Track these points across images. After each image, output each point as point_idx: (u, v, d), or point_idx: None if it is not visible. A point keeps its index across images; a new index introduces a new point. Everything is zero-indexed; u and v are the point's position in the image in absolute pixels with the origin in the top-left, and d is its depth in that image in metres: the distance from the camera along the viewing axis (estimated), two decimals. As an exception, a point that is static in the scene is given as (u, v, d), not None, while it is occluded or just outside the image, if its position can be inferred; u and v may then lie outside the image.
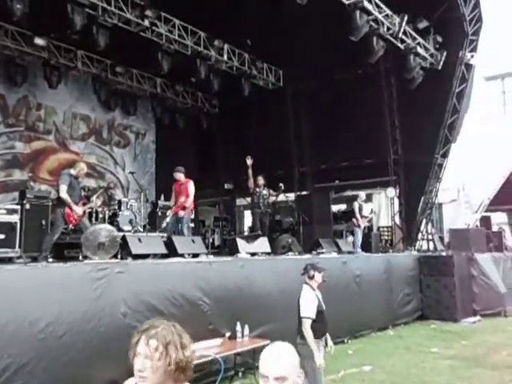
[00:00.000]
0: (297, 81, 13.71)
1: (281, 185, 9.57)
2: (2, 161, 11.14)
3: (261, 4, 10.35)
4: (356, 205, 10.59)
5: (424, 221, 12.57)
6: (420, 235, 12.60)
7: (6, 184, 11.07)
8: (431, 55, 11.12)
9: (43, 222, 8.43)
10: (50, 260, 6.59)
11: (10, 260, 7.67)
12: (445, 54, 11.11)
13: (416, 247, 12.30)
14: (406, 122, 12.23)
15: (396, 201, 12.76)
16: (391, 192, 12.45)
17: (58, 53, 11.54)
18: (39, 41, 10.74)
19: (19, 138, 11.56)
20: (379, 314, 8.87)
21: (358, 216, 10.44)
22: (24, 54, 11.05)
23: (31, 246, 7.91)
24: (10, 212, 8.03)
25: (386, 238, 12.88)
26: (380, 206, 13.43)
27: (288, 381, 1.73)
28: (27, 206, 8.49)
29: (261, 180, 9.61)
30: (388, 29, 9.79)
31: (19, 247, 7.92)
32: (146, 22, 9.96)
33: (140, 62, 12.65)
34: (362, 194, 11.02)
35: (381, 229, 13.02)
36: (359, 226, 10.41)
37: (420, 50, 10.65)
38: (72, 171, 6.91)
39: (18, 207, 8.30)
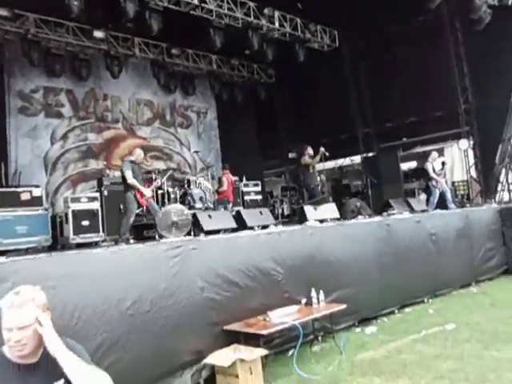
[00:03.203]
0: (353, 39, 13.23)
1: (322, 149, 9.20)
2: (78, 152, 11.89)
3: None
4: (429, 166, 10.08)
5: (503, 170, 11.80)
6: (500, 186, 11.86)
7: (84, 174, 11.83)
8: (499, -10, 10.21)
9: (121, 207, 8.94)
10: (132, 241, 7.02)
11: (96, 244, 8.29)
12: (515, -14, 10.15)
13: (496, 199, 11.62)
14: (476, 67, 11.41)
15: (470, 153, 12.07)
16: (464, 144, 11.78)
17: (116, 43, 11.99)
18: (98, 33, 11.20)
19: (91, 129, 12.24)
20: (460, 271, 8.56)
21: (433, 176, 9.99)
22: (86, 48, 11.58)
23: (113, 229, 8.46)
24: (91, 200, 8.64)
25: (462, 192, 12.30)
26: (453, 160, 12.79)
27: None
28: (105, 193, 9.09)
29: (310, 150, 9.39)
30: (447, -31, 9.10)
31: (103, 231, 8.52)
32: (195, 0, 10.00)
33: (194, 42, 12.79)
34: (434, 154, 10.45)
35: (456, 184, 12.43)
36: (437, 186, 9.99)
37: (486, -13, 9.81)
38: (132, 158, 7.30)
39: (98, 194, 8.90)
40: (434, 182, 9.99)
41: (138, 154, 7.39)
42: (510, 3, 10.23)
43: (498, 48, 10.62)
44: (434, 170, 10.06)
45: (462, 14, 10.86)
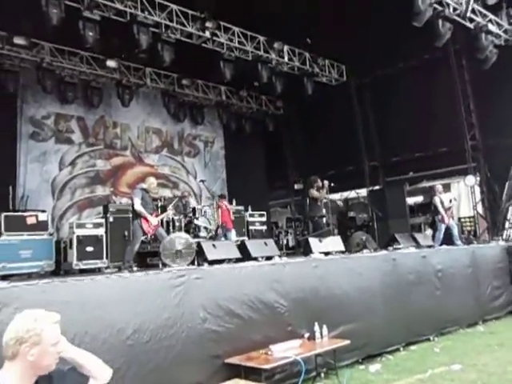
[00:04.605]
0: (361, 73, 13.47)
1: (326, 182, 9.18)
2: (86, 178, 11.98)
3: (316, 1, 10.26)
4: (437, 200, 9.90)
5: (510, 208, 11.75)
6: (507, 224, 11.78)
7: (91, 200, 11.88)
8: (505, 31, 10.39)
9: (126, 233, 8.97)
10: (135, 269, 6.98)
11: (99, 270, 8.26)
12: (521, 27, 10.35)
13: (503, 237, 11.51)
14: (482, 104, 11.54)
15: (477, 189, 12.04)
16: (471, 180, 11.76)
17: (128, 72, 12.25)
18: (111, 63, 11.46)
19: (99, 155, 12.37)
20: (466, 309, 8.41)
21: (441, 211, 9.85)
22: (98, 77, 11.85)
23: (117, 256, 8.46)
24: (96, 226, 8.66)
25: (468, 228, 12.21)
26: (460, 196, 12.75)
27: None
28: (111, 219, 9.10)
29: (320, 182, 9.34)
30: (454, 9, 9.29)
31: (106, 258, 8.50)
32: (207, 34, 10.28)
33: (204, 73, 13.06)
34: (439, 187, 10.32)
35: (462, 219, 12.35)
36: (444, 221, 9.86)
37: (492, 28, 9.98)
38: (144, 185, 7.32)
39: (103, 221, 8.92)
40: (439, 217, 9.90)
41: (151, 182, 7.39)
42: (516, 43, 10.42)
43: (504, 86, 10.75)
44: (442, 205, 9.96)
45: (469, 52, 11.04)
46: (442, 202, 9.94)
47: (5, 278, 6.50)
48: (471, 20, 9.74)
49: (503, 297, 9.37)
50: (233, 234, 9.74)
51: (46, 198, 11.09)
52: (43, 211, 8.75)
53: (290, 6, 10.14)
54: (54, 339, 2.01)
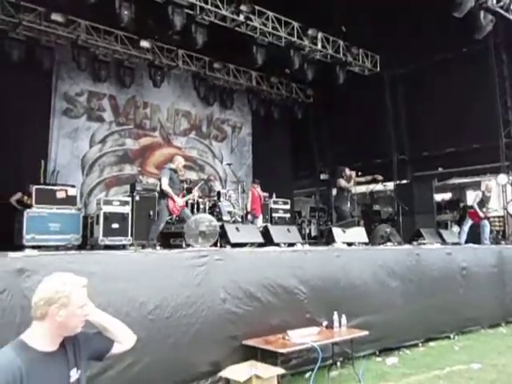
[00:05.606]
0: (395, 65, 13.18)
1: (353, 173, 9.21)
2: (115, 156, 12.18)
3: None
4: (479, 195, 9.75)
5: (542, 210, 11.42)
6: (538, 225, 11.47)
7: (119, 178, 12.08)
8: (550, 26, 9.99)
9: (151, 213, 9.09)
10: (158, 248, 7.09)
11: (123, 247, 8.41)
12: None
13: (533, 239, 11.22)
14: (520, 101, 11.18)
15: (509, 188, 11.72)
16: (503, 179, 11.45)
17: (161, 53, 12.32)
18: (144, 43, 11.55)
19: (129, 135, 12.54)
20: (489, 309, 8.25)
21: (475, 206, 9.64)
22: (131, 57, 11.96)
23: (141, 234, 8.58)
24: (123, 204, 8.78)
25: (497, 228, 11.91)
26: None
27: None
28: (137, 198, 9.23)
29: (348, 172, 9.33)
30: (497, 1, 8.97)
31: (131, 235, 8.64)
32: (241, 17, 10.24)
33: (236, 57, 13.02)
34: (489, 183, 10.03)
35: (491, 219, 12.06)
36: (474, 217, 9.65)
37: (536, 22, 9.62)
38: (172, 165, 7.36)
39: (129, 199, 9.04)
40: (471, 212, 9.71)
41: (179, 161, 7.43)
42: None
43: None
44: (482, 202, 9.75)
45: (509, 46, 10.68)
46: (482, 199, 9.74)
47: (34, 248, 6.70)
48: (514, 13, 9.41)
49: (529, 299, 9.15)
50: (259, 221, 9.81)
51: (75, 173, 11.33)
52: (73, 186, 8.94)
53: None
54: (82, 302, 2.09)
